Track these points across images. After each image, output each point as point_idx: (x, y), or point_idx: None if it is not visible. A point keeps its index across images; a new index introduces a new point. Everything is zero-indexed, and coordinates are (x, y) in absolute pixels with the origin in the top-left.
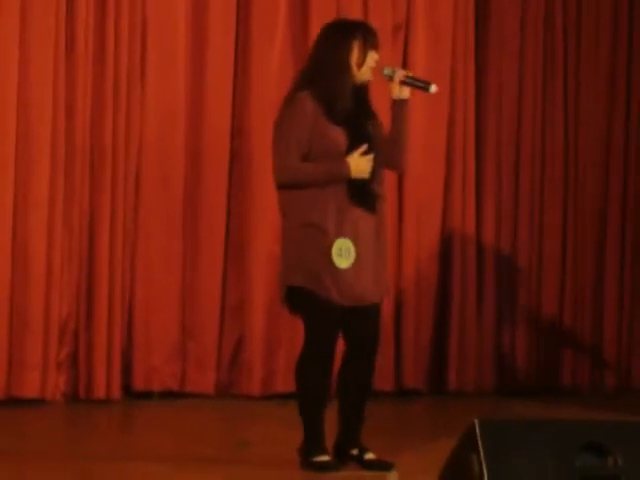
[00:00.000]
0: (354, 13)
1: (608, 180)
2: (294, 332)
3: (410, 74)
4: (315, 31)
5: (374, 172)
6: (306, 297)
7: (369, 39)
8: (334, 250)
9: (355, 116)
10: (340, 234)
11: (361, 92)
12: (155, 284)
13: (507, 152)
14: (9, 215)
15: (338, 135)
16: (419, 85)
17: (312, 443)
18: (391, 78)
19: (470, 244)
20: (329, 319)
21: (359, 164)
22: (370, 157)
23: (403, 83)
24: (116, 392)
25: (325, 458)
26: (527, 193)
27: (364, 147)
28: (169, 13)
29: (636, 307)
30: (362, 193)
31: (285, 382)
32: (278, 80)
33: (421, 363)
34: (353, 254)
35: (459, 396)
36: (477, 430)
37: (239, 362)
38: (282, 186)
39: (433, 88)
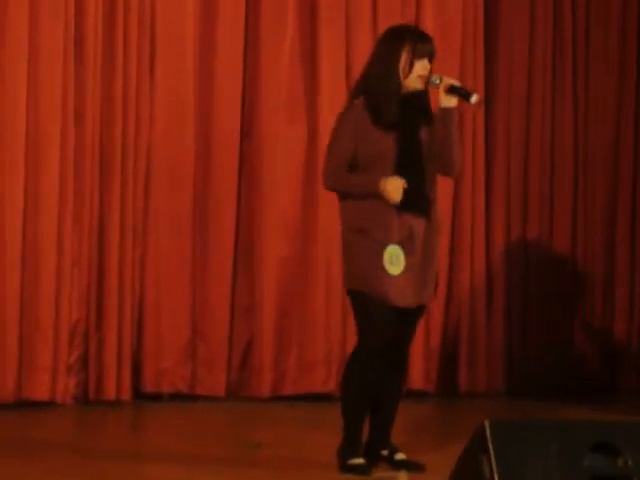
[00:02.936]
0: (363, 13)
1: (617, 180)
2: (304, 334)
3: (456, 83)
4: (323, 32)
5: (427, 177)
6: (361, 299)
7: (417, 48)
8: (385, 258)
9: (407, 122)
10: (389, 240)
11: (417, 99)
12: (165, 286)
13: (516, 151)
14: (19, 217)
15: (385, 141)
16: (461, 94)
17: (351, 445)
18: (437, 86)
19: (479, 242)
20: (383, 320)
21: (389, 188)
22: (402, 185)
23: (448, 91)
24: (126, 394)
25: (359, 461)
26: (536, 192)
27: (404, 182)
28: (178, 15)
29: None
30: (413, 198)
31: (295, 384)
32: (287, 80)
33: (431, 364)
34: (403, 261)
35: (470, 397)
36: (487, 431)
37: (249, 364)
38: (330, 191)
39: (474, 98)
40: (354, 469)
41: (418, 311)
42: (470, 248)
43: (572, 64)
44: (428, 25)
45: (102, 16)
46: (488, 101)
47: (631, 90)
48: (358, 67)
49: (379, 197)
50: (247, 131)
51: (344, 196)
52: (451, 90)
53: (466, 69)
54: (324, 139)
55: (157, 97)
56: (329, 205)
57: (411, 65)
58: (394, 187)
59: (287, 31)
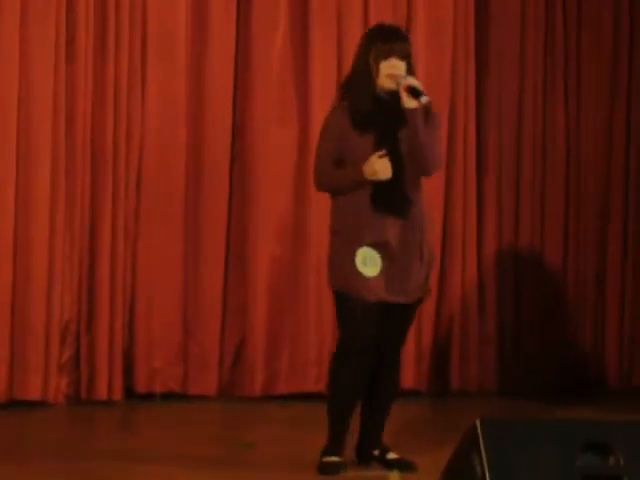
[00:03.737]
0: (354, 12)
1: (609, 184)
2: (296, 333)
3: (413, 84)
4: (315, 30)
5: (406, 176)
6: (341, 299)
7: (380, 48)
8: (358, 259)
9: (384, 123)
10: (362, 242)
11: (396, 99)
12: (157, 285)
13: (508, 152)
14: (11, 217)
15: (363, 143)
16: (414, 94)
17: (332, 443)
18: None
19: (471, 243)
20: (362, 320)
21: (372, 166)
22: (385, 158)
23: (407, 92)
24: (118, 394)
25: (333, 459)
26: (528, 195)
27: (382, 152)
28: (169, 15)
29: (637, 309)
30: (387, 198)
31: (287, 383)
32: (279, 80)
33: (423, 363)
34: (379, 262)
35: (461, 396)
36: (478, 430)
37: (241, 363)
38: (322, 191)
39: (423, 99)
40: (325, 468)
41: (405, 310)
42: (462, 248)
43: (563, 65)
44: (420, 23)
45: (93, 16)
46: (480, 102)
47: (623, 93)
48: (349, 66)
49: (366, 183)
50: (239, 131)
51: (333, 195)
52: (409, 90)
53: (457, 68)
54: (315, 139)
55: (148, 97)
56: (320, 205)
57: (377, 65)
58: (381, 167)
59: (278, 31)
